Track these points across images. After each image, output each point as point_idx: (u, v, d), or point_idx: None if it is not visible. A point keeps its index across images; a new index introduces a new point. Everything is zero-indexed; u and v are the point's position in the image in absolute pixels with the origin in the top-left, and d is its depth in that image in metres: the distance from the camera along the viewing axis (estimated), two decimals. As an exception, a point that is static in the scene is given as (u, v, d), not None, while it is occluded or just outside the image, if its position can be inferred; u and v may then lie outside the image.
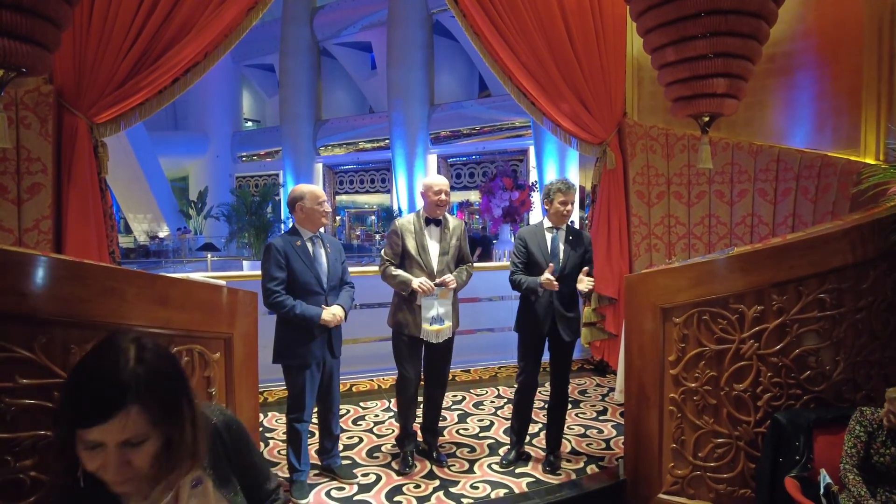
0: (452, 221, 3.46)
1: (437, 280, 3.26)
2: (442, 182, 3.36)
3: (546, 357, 3.46)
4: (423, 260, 3.32)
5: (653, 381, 3.05)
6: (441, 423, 4.00)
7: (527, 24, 4.66)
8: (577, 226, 3.48)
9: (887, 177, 3.10)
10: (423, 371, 3.50)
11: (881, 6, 4.11)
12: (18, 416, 1.96)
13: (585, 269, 3.25)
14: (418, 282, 3.22)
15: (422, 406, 3.61)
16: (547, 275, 3.19)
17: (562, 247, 3.35)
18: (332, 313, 3.02)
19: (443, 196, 3.33)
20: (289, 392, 3.12)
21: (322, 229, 3.20)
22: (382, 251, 3.43)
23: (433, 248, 3.36)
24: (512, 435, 3.55)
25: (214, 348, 2.58)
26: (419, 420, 3.63)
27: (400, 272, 3.30)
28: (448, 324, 3.31)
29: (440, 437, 3.74)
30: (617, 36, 4.95)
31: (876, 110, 4.15)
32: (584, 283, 3.19)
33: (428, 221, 3.38)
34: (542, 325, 3.32)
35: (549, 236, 3.39)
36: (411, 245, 3.32)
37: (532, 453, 3.58)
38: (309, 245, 3.09)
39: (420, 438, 3.62)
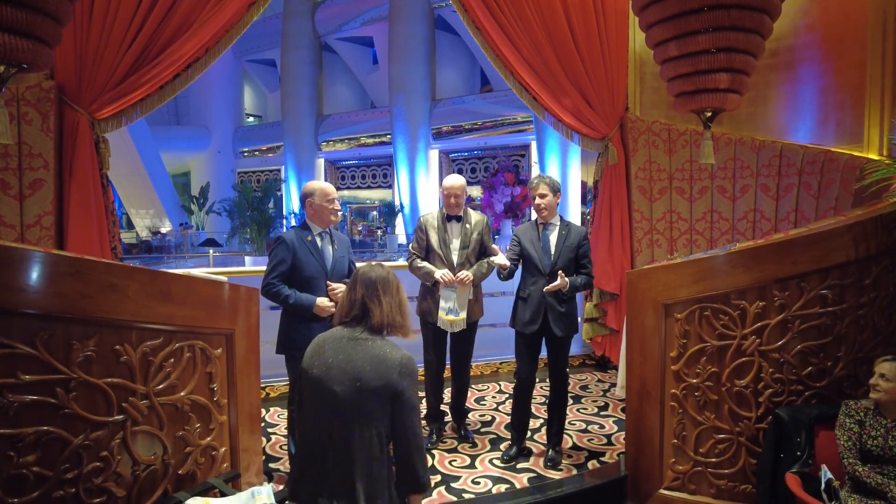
0: (475, 217, 3.67)
1: (458, 275, 3.43)
2: (453, 184, 3.57)
3: (545, 353, 3.46)
4: (444, 253, 3.54)
5: (654, 376, 3.05)
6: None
7: (529, 18, 4.64)
8: (578, 221, 3.48)
9: (890, 172, 3.10)
10: (449, 356, 3.75)
11: (885, 0, 4.09)
12: (21, 411, 1.97)
13: (560, 273, 3.28)
14: (440, 273, 3.44)
15: (450, 389, 3.87)
16: (445, 270, 3.44)
17: (553, 241, 3.37)
18: (326, 306, 2.99)
19: (451, 199, 3.55)
20: (290, 383, 3.14)
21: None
22: (410, 245, 3.68)
23: (454, 243, 3.58)
24: (512, 430, 3.56)
25: (216, 344, 2.58)
26: (447, 401, 3.92)
27: (425, 264, 3.54)
28: (462, 315, 3.46)
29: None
30: (619, 31, 4.92)
31: (879, 105, 4.13)
32: (555, 284, 3.23)
33: (449, 218, 3.60)
34: (535, 321, 3.34)
35: (541, 232, 3.42)
36: (434, 239, 3.56)
37: (533, 449, 3.59)
38: (318, 240, 3.13)
39: (449, 418, 3.91)
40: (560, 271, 3.24)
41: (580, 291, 3.37)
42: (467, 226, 3.61)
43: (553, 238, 3.38)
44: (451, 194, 3.54)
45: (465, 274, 3.43)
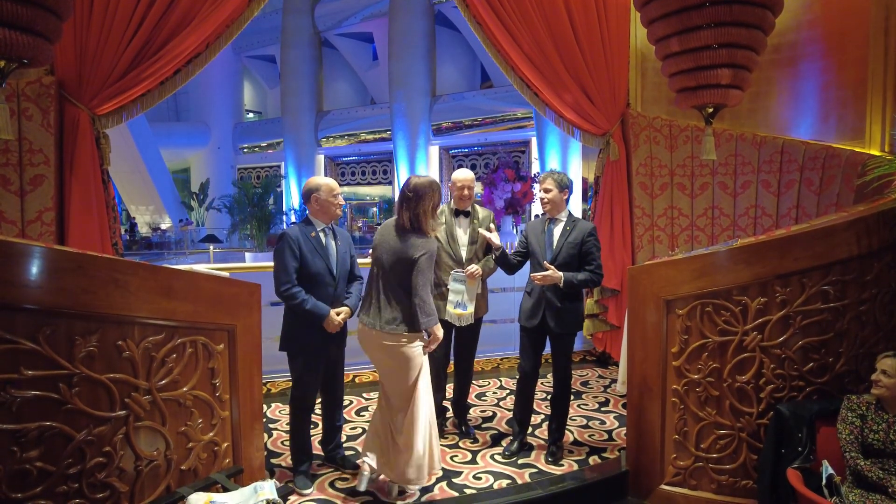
0: (482, 212, 3.67)
1: (468, 269, 3.42)
2: (464, 177, 3.56)
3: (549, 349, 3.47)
4: (453, 248, 3.54)
5: (655, 372, 3.06)
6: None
7: (530, 13, 4.63)
8: (579, 217, 3.47)
9: (892, 168, 3.09)
10: (453, 351, 3.74)
11: (888, -5, 4.08)
12: (24, 407, 1.98)
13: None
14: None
15: (452, 383, 3.87)
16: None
17: (556, 236, 3.37)
18: (335, 322, 3.01)
19: (465, 192, 3.54)
20: (293, 379, 3.14)
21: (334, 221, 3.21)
22: None
23: (462, 238, 3.57)
24: (515, 425, 3.57)
25: (218, 340, 2.59)
26: (449, 396, 3.94)
27: None
28: (470, 310, 3.45)
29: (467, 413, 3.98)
30: (620, 26, 4.91)
31: (881, 101, 4.12)
32: (542, 274, 3.23)
33: (457, 213, 3.59)
34: (535, 315, 3.36)
35: (546, 227, 3.43)
36: (441, 234, 3.51)
37: (534, 444, 3.59)
38: (322, 236, 3.10)
39: (451, 413, 3.90)
40: (546, 262, 3.23)
41: (580, 288, 3.35)
42: (475, 221, 3.61)
43: (557, 233, 3.38)
44: (464, 186, 3.54)
45: (475, 268, 3.42)
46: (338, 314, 3.05)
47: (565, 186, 3.39)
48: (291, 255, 2.98)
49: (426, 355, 2.96)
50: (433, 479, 3.13)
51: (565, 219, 3.40)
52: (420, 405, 2.88)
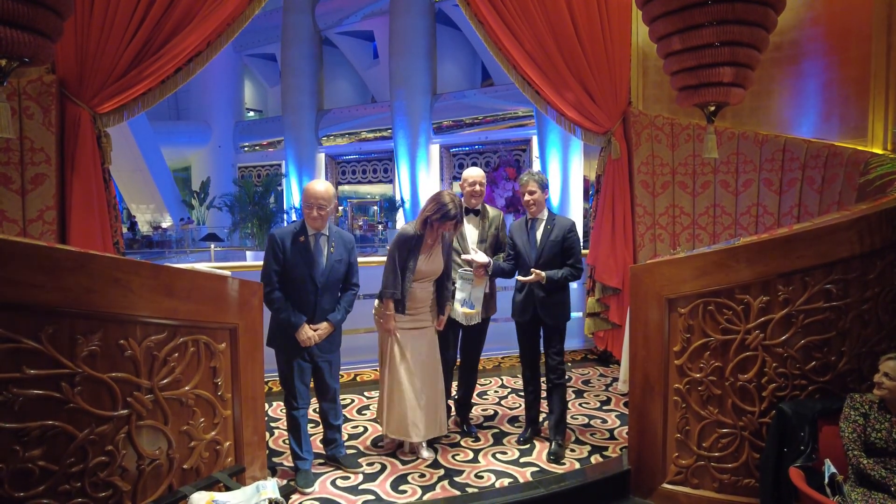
0: (492, 212, 3.70)
1: (474, 268, 3.44)
2: (476, 174, 3.60)
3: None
4: (462, 247, 3.56)
5: (657, 371, 3.05)
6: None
7: (531, 12, 4.62)
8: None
9: (895, 167, 3.08)
10: (459, 351, 3.78)
11: (890, -7, 4.07)
12: (26, 406, 1.98)
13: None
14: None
15: (456, 382, 3.89)
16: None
17: (538, 236, 3.44)
18: (306, 336, 3.00)
19: (476, 187, 3.57)
20: (281, 378, 3.17)
21: (327, 227, 3.09)
22: None
23: (471, 237, 3.59)
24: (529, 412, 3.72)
25: (220, 339, 2.59)
26: (454, 395, 3.95)
27: None
28: (478, 308, 3.48)
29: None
30: (622, 24, 4.90)
31: (884, 99, 4.11)
32: (527, 278, 3.36)
33: (467, 211, 3.60)
34: (525, 311, 3.48)
35: (529, 227, 3.50)
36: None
37: (536, 443, 3.60)
38: (311, 241, 3.04)
39: (453, 412, 3.90)
40: (533, 268, 3.34)
41: (562, 283, 3.41)
42: (485, 220, 3.63)
43: (539, 233, 3.45)
44: (476, 182, 3.56)
45: (482, 256, 3.46)
46: (315, 329, 3.04)
47: (546, 186, 3.50)
48: (274, 258, 2.97)
49: (406, 338, 3.24)
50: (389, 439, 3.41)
51: (545, 218, 3.48)
52: (386, 371, 3.29)
